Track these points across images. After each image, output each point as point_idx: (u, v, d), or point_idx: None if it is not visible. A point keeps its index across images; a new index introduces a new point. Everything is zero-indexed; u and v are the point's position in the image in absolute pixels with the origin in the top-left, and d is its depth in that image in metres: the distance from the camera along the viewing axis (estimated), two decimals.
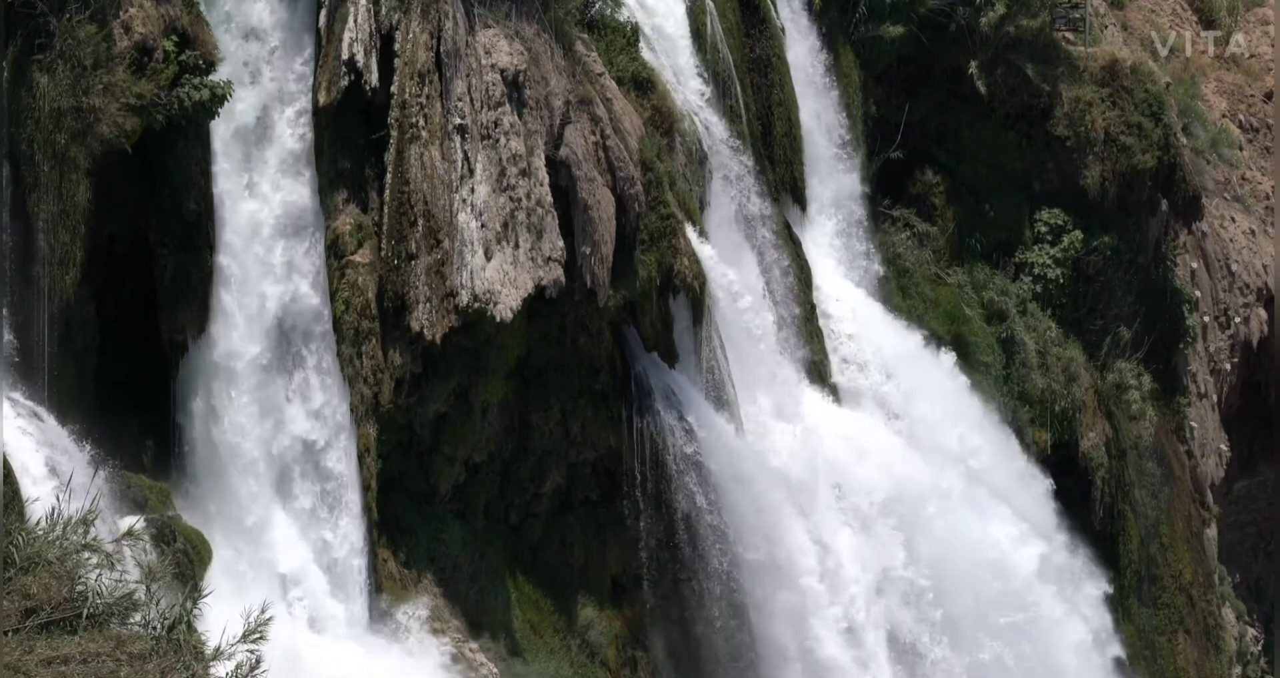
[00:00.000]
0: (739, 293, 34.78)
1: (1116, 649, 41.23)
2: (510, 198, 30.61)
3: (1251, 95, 52.33)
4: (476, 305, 29.96)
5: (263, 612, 14.21)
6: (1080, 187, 43.47)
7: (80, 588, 14.17)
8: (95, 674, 13.38)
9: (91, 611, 14.02)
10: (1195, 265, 46.91)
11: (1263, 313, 49.23)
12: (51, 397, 25.68)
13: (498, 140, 30.62)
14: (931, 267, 42.29)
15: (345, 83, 29.07)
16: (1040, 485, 41.15)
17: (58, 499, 15.31)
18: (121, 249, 27.35)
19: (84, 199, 25.87)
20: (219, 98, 26.82)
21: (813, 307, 37.52)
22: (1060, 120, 43.44)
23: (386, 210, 29.67)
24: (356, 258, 29.44)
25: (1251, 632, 48.44)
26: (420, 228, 29.72)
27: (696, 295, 33.42)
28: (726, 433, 33.91)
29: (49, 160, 25.53)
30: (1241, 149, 51.05)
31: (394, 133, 29.68)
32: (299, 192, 28.90)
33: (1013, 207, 43.48)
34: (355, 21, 29.13)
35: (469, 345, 30.76)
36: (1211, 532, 46.81)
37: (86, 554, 14.51)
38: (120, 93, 25.99)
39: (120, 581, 14.70)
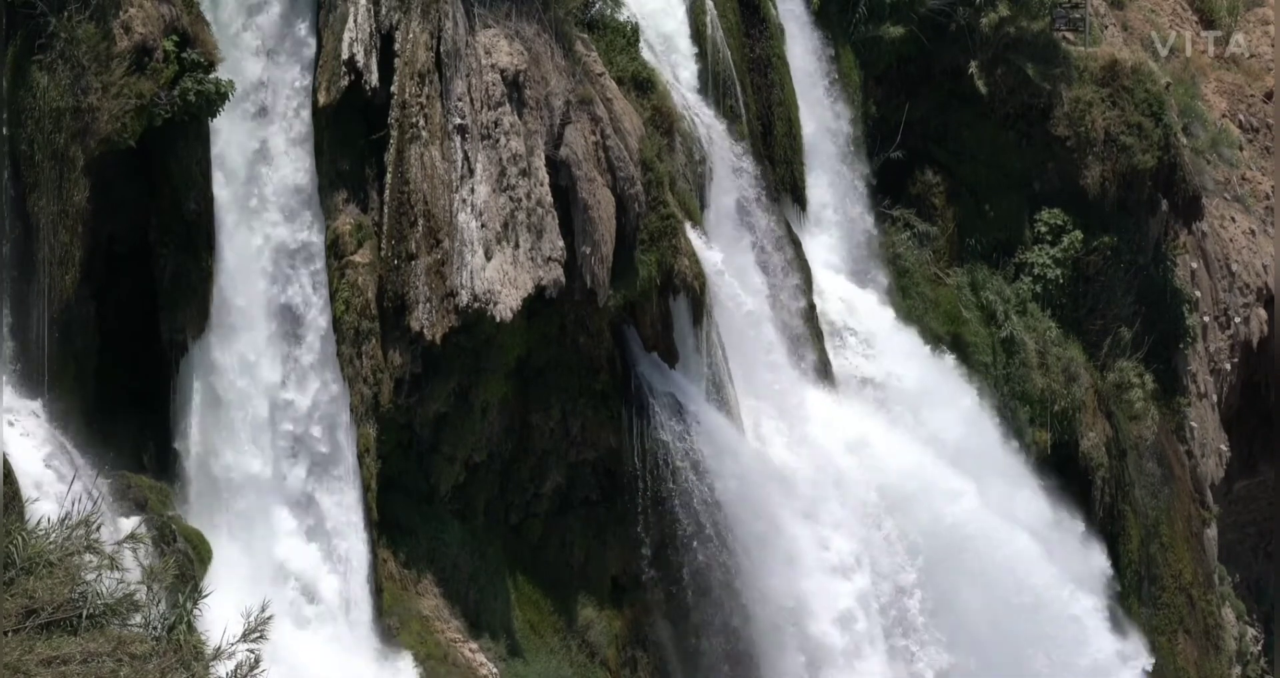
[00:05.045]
0: (739, 293, 34.78)
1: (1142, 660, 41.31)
2: (510, 198, 30.61)
3: (1251, 95, 52.35)
4: (476, 305, 29.96)
5: (263, 611, 14.21)
6: (1080, 187, 43.50)
7: (81, 589, 14.17)
8: (95, 675, 13.38)
9: (92, 611, 14.02)
10: (1195, 265, 46.93)
11: (1263, 313, 49.25)
12: (51, 397, 25.66)
13: (498, 140, 30.62)
14: (931, 267, 42.31)
15: (345, 83, 29.06)
16: (1036, 483, 41.22)
17: (72, 503, 15.31)
18: (121, 249, 27.33)
19: (84, 199, 25.84)
20: (221, 95, 26.81)
21: (813, 306, 37.52)
22: (1060, 120, 43.47)
23: (386, 210, 29.66)
24: (356, 258, 29.44)
25: (1251, 632, 48.45)
26: (420, 228, 29.72)
27: (696, 295, 33.42)
28: (727, 433, 33.91)
29: (49, 160, 25.51)
30: (1241, 149, 51.08)
31: (394, 133, 29.68)
32: (298, 191, 28.89)
33: (1013, 207, 43.51)
34: (355, 21, 29.12)
35: (469, 345, 30.76)
36: (1211, 532, 46.83)
37: (88, 556, 14.51)
38: (120, 92, 25.96)
39: (121, 581, 14.70)
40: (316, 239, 29.12)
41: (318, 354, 29.09)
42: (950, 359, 40.93)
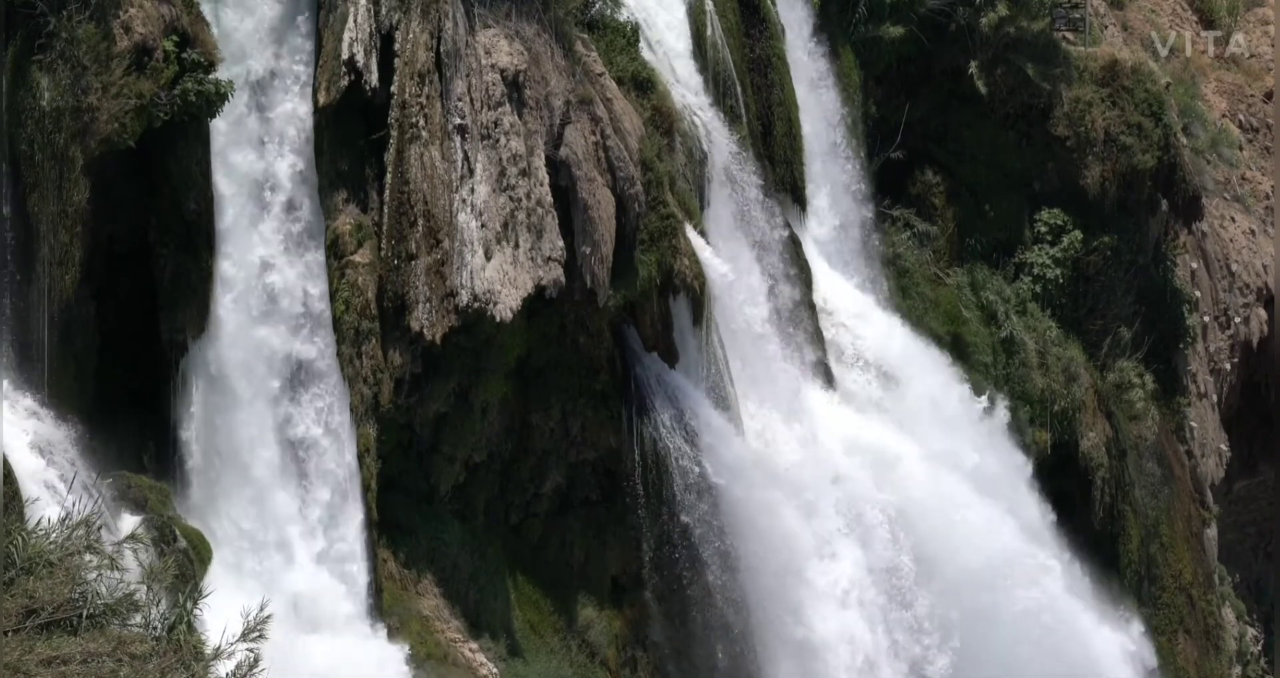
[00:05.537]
0: (739, 293, 34.77)
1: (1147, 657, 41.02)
2: (510, 198, 30.62)
3: (1251, 95, 52.35)
4: (476, 305, 29.96)
5: (261, 611, 14.21)
6: (1080, 187, 43.50)
7: (81, 589, 14.17)
8: (95, 675, 13.38)
9: (92, 611, 14.02)
10: (1195, 265, 46.93)
11: (1263, 313, 49.25)
12: (51, 397, 25.67)
13: (498, 140, 30.62)
14: (931, 267, 42.30)
15: (345, 83, 29.06)
16: (1034, 487, 41.11)
17: (72, 503, 15.29)
18: (121, 249, 27.33)
19: (84, 199, 25.85)
20: (221, 96, 26.81)
21: (813, 306, 37.51)
22: (1060, 120, 43.47)
23: (386, 210, 29.66)
24: (356, 258, 29.44)
25: (1251, 632, 48.44)
26: (420, 228, 29.72)
27: (696, 295, 33.41)
28: (727, 433, 33.89)
29: (49, 160, 25.51)
30: (1241, 149, 51.08)
31: (394, 133, 29.68)
32: (299, 191, 28.89)
33: (1013, 207, 43.50)
34: (355, 21, 29.12)
35: (469, 345, 30.76)
36: (1211, 532, 46.82)
37: (88, 556, 14.51)
38: (120, 92, 25.97)
39: (121, 581, 14.70)
40: (317, 238, 29.08)
41: (318, 354, 29.07)
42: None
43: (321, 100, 28.84)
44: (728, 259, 34.72)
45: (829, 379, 37.64)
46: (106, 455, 26.13)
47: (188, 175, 27.09)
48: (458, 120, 30.13)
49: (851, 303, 39.34)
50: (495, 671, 30.80)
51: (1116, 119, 43.66)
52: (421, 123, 29.77)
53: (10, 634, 13.60)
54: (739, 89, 36.85)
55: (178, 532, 26.21)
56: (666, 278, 32.84)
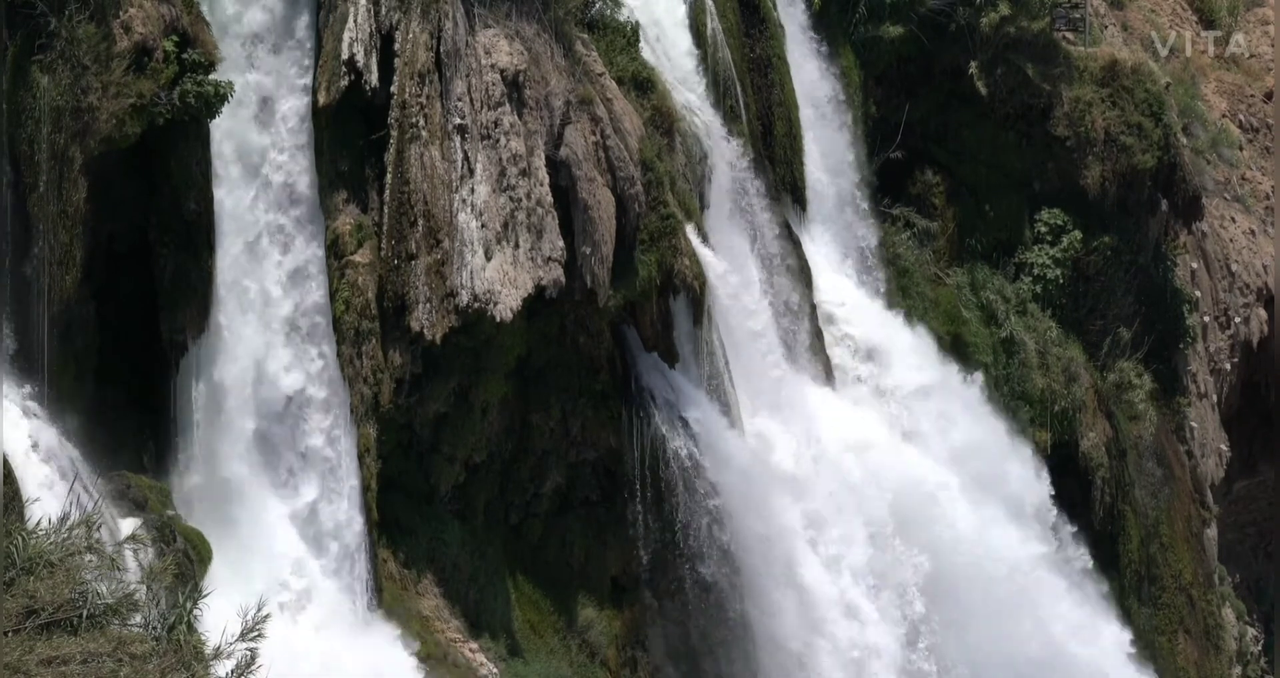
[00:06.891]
0: (739, 293, 34.78)
1: (1126, 645, 41.08)
2: (510, 198, 30.62)
3: (1251, 95, 52.36)
4: (476, 305, 29.96)
5: (259, 609, 14.21)
6: (1080, 187, 43.51)
7: (81, 589, 14.17)
8: (95, 675, 13.38)
9: (92, 611, 14.02)
10: (1195, 265, 46.93)
11: (1263, 313, 49.25)
12: (51, 396, 25.66)
13: (498, 140, 30.63)
14: (931, 267, 42.30)
15: (345, 83, 29.07)
16: (1040, 486, 41.12)
17: (71, 503, 15.29)
18: (121, 249, 27.33)
19: (83, 199, 25.84)
20: (221, 97, 26.82)
21: (813, 306, 37.52)
22: (1060, 120, 43.47)
23: (386, 210, 29.68)
24: (356, 258, 29.45)
25: (1251, 632, 48.44)
26: (420, 228, 29.73)
27: (696, 295, 33.43)
28: (727, 433, 33.91)
29: (49, 160, 25.50)
30: (1241, 149, 51.09)
31: (394, 133, 29.69)
32: (298, 191, 28.90)
33: (1013, 207, 43.51)
34: (355, 21, 29.13)
35: (469, 345, 30.77)
36: (1211, 532, 46.83)
37: (88, 556, 14.51)
38: (120, 92, 25.96)
39: (121, 582, 14.71)
40: (317, 239, 29.09)
41: (318, 354, 29.07)
42: (948, 359, 40.68)
43: (321, 100, 28.85)
44: (727, 259, 34.73)
45: (829, 378, 37.65)
46: (106, 455, 26.13)
47: (188, 175, 27.08)
48: (458, 120, 30.14)
49: (851, 302, 39.34)
50: (495, 671, 30.81)
51: (1116, 119, 43.67)
52: (421, 123, 29.78)
53: (10, 634, 13.60)
54: (739, 89, 36.86)
55: (177, 532, 26.20)
56: (666, 278, 32.85)
